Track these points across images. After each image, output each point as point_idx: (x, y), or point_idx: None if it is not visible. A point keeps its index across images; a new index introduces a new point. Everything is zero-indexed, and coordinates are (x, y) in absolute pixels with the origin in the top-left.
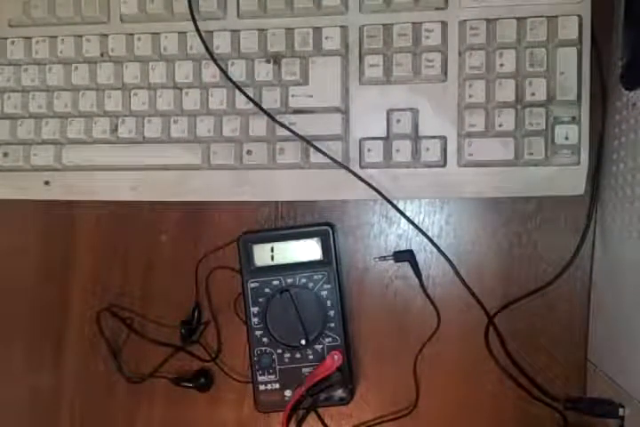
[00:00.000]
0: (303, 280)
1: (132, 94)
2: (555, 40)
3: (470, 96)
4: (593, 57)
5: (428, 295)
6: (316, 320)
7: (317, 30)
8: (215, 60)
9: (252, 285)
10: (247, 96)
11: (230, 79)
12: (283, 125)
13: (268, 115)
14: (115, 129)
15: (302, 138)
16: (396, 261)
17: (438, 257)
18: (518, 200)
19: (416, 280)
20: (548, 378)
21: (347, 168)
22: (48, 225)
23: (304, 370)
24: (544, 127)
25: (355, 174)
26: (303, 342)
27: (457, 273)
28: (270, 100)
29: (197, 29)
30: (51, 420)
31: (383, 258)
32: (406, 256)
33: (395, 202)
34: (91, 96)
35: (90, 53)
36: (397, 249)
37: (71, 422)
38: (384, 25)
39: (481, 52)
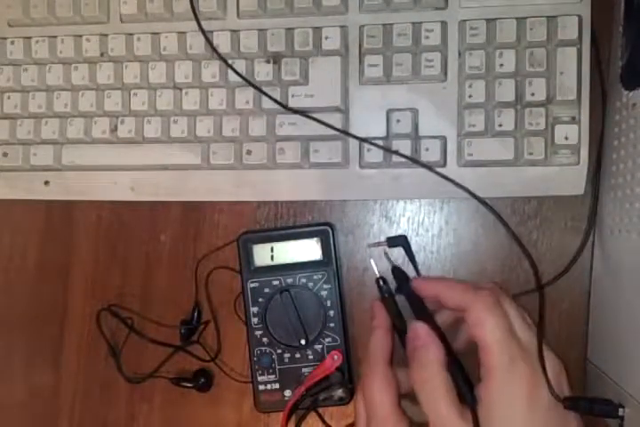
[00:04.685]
0: (303, 280)
1: (131, 94)
2: (555, 40)
3: (470, 96)
4: (593, 57)
5: None
6: (316, 320)
7: (317, 30)
8: (219, 54)
9: (252, 285)
10: (238, 74)
11: (220, 55)
12: (271, 97)
13: (257, 88)
14: (114, 129)
15: (302, 113)
16: (390, 246)
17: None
18: (518, 200)
19: None
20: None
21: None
22: (48, 225)
23: (304, 370)
24: (544, 127)
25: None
26: (303, 342)
27: None
28: (270, 99)
29: (200, 27)
30: (50, 420)
31: (377, 244)
32: (400, 241)
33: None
34: (90, 96)
35: (90, 53)
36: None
37: (71, 421)
38: (384, 25)
39: (481, 52)
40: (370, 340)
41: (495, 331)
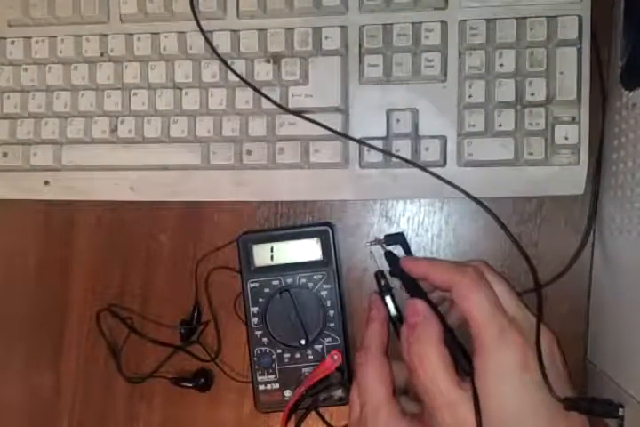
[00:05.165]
0: (303, 280)
1: (131, 94)
2: (555, 40)
3: (470, 96)
4: (593, 57)
5: None
6: (316, 320)
7: (317, 30)
8: (218, 55)
9: (252, 285)
10: (237, 75)
11: (220, 56)
12: (271, 100)
13: (257, 90)
14: (114, 129)
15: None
16: (388, 244)
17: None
18: (518, 200)
19: None
20: None
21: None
22: (48, 225)
23: (304, 370)
24: (544, 127)
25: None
26: (303, 342)
27: None
28: (269, 101)
29: (200, 28)
30: (50, 420)
31: (374, 242)
32: (398, 239)
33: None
34: (90, 96)
35: (89, 53)
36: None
37: (71, 422)
38: (384, 25)
39: (481, 52)
40: (366, 330)
41: (482, 304)
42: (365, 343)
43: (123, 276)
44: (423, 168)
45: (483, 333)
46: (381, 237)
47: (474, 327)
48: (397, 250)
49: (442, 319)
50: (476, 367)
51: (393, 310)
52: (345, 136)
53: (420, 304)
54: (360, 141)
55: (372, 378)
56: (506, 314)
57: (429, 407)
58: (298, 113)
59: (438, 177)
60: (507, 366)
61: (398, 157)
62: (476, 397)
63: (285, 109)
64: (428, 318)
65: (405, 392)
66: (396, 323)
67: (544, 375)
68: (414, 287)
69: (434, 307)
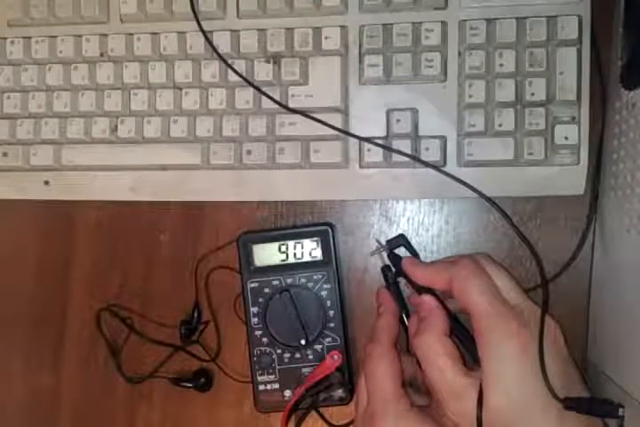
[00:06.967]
0: (303, 280)
1: (131, 94)
2: (554, 40)
3: (470, 96)
4: (593, 57)
5: None
6: (316, 320)
7: (317, 30)
8: (219, 54)
9: (252, 285)
10: (238, 74)
11: (220, 56)
12: (271, 98)
13: (256, 88)
14: (114, 129)
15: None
16: (391, 249)
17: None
18: (518, 200)
19: None
20: None
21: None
22: (48, 225)
23: (304, 370)
24: (544, 127)
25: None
26: (303, 342)
27: None
28: (270, 99)
29: (200, 28)
30: (51, 420)
31: (377, 251)
32: (400, 241)
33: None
34: (90, 96)
35: (89, 53)
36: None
37: (71, 422)
38: (384, 25)
39: (481, 52)
40: (377, 323)
41: (478, 293)
42: (375, 336)
43: (123, 276)
44: (429, 164)
45: (480, 321)
46: (382, 239)
47: (473, 317)
48: (401, 250)
49: (449, 312)
50: (480, 356)
51: (400, 303)
52: (346, 133)
53: (427, 298)
54: (362, 138)
55: (382, 371)
56: (505, 303)
57: (436, 398)
58: (298, 111)
59: (446, 173)
60: (505, 354)
61: (400, 152)
62: (480, 387)
63: (286, 108)
64: (434, 311)
65: (413, 385)
66: (403, 316)
67: (542, 365)
68: (420, 286)
69: (441, 301)
